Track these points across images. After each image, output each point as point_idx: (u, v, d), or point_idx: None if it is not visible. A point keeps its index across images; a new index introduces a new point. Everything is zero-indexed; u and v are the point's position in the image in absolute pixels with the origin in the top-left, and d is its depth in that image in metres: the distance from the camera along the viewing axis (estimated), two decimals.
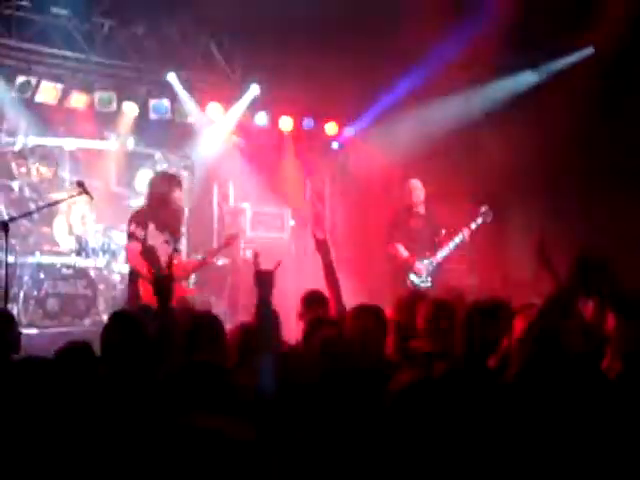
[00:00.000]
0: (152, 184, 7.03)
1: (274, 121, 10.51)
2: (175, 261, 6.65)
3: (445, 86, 9.29)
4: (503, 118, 9.12)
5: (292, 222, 10.10)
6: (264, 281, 3.76)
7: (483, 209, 8.06)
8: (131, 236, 6.65)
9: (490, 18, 8.22)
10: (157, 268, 6.33)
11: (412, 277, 7.89)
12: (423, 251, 7.98)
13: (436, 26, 8.18)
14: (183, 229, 7.32)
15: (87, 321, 8.51)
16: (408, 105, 9.72)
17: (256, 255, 4.08)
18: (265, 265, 3.97)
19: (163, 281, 4.21)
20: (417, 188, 8.19)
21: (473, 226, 7.98)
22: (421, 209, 8.19)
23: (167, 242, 6.76)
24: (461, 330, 3.81)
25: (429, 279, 7.89)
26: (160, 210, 6.74)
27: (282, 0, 8.59)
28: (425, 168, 8.84)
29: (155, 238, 6.68)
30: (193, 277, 9.49)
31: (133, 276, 6.72)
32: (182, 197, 7.03)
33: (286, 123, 10.54)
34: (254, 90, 10.12)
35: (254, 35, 9.71)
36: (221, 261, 9.62)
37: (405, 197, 8.26)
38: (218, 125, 10.19)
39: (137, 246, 6.61)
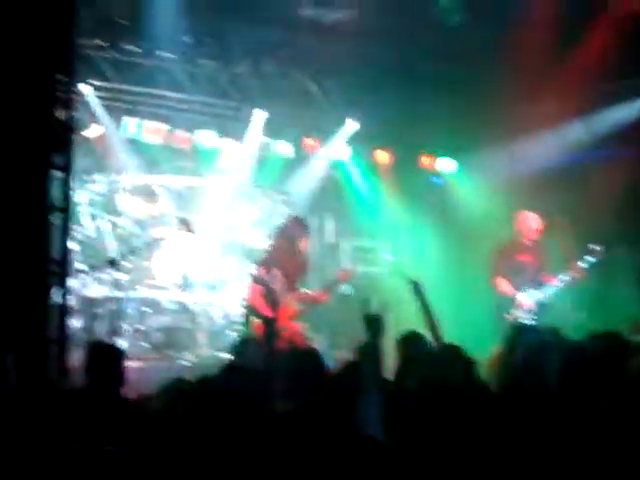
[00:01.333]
0: (282, 229, 7.33)
1: (371, 155, 10.55)
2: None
3: (551, 117, 9.09)
4: (611, 149, 8.86)
5: (390, 256, 10.05)
6: (374, 326, 3.75)
7: (597, 248, 7.67)
8: (256, 279, 7.08)
9: (598, 46, 8.04)
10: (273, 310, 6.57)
11: (514, 311, 7.69)
12: (529, 286, 7.77)
13: (539, 56, 8.05)
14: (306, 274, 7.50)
15: (188, 354, 8.68)
16: (510, 137, 9.58)
17: (365, 301, 4.11)
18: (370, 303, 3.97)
19: (271, 324, 4.27)
20: (532, 220, 7.99)
21: (584, 265, 7.64)
22: (532, 243, 7.97)
23: (288, 287, 7.04)
24: None
25: (534, 315, 7.67)
26: (286, 257, 7.07)
27: (377, 37, 8.70)
28: (528, 202, 8.67)
29: (278, 283, 6.98)
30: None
31: (249, 315, 7.06)
32: (308, 245, 7.32)
33: (383, 156, 10.56)
34: (351, 124, 10.21)
35: (350, 70, 9.85)
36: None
37: (518, 229, 8.04)
38: (316, 160, 10.31)
39: (258, 288, 6.99)
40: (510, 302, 7.74)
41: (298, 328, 7.15)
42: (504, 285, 7.80)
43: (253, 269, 7.21)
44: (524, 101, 8.80)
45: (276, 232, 7.52)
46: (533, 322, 7.53)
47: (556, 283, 7.69)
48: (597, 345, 4.19)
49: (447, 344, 4.60)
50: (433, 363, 4.38)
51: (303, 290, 7.70)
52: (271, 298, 6.91)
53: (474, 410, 3.15)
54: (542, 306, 7.73)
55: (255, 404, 3.72)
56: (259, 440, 3.27)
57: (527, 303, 7.71)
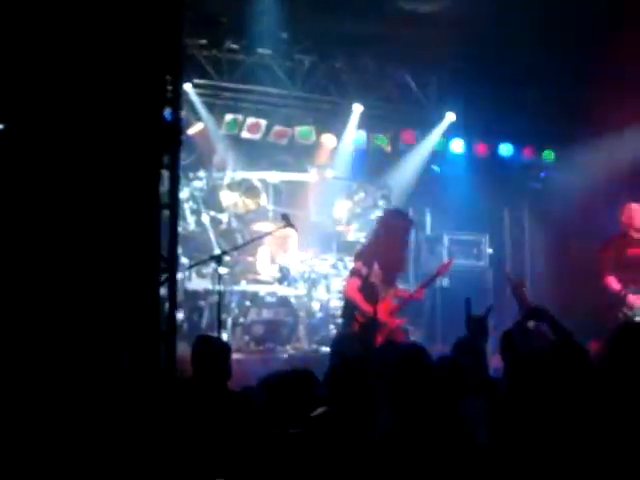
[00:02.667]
0: (382, 221, 7.29)
1: (470, 147, 10.41)
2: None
3: None
4: None
5: (490, 250, 9.90)
6: (476, 327, 3.71)
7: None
8: (355, 273, 7.02)
9: None
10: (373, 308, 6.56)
11: (626, 311, 7.41)
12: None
13: None
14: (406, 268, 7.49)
15: (288, 347, 8.80)
16: (609, 130, 9.27)
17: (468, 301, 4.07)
18: (467, 295, 3.94)
19: (370, 324, 4.26)
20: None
21: None
22: None
23: (387, 282, 6.99)
24: None
25: None
26: (386, 251, 6.99)
27: (474, 29, 8.56)
28: (629, 195, 8.36)
29: (377, 277, 6.93)
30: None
31: (348, 309, 7.04)
32: (409, 239, 7.33)
33: (482, 150, 10.41)
34: (449, 117, 10.10)
35: (448, 62, 9.74)
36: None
37: (626, 222, 7.72)
38: (414, 153, 10.26)
39: (357, 282, 6.94)
40: (621, 300, 7.44)
41: (398, 323, 7.11)
42: (614, 282, 7.52)
43: (352, 263, 7.16)
44: (625, 94, 8.49)
45: (377, 225, 7.46)
46: None
47: None
48: None
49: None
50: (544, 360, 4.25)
51: (402, 287, 7.69)
52: (370, 292, 6.83)
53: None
54: None
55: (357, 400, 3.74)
56: (362, 436, 3.29)
57: (637, 302, 7.41)
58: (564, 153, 10.20)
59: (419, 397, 3.36)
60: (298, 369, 4.01)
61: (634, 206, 7.73)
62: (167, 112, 5.02)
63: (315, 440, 2.93)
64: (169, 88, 4.97)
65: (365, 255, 7.12)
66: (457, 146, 10.36)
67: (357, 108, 9.81)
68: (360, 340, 5.70)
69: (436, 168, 10.50)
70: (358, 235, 9.52)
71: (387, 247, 7.01)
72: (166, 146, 4.70)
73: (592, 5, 7.89)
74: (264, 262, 9.35)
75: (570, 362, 3.92)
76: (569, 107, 9.36)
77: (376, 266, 6.92)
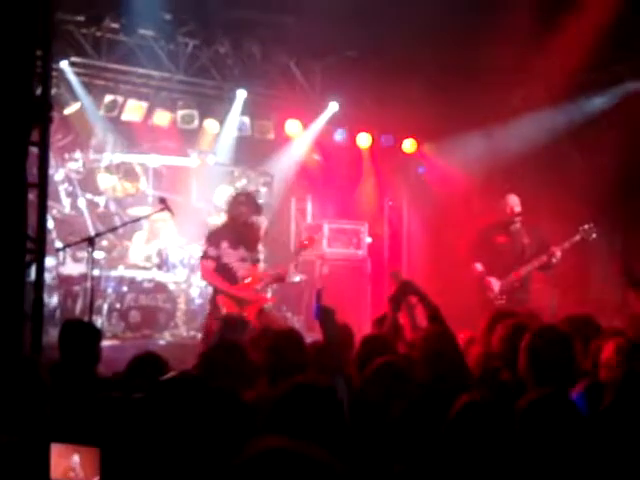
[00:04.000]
0: (230, 205, 7.26)
1: (352, 138, 10.56)
2: (248, 279, 6.92)
3: (532, 101, 9.14)
4: (590, 135, 8.92)
5: (369, 239, 10.08)
6: (326, 318, 3.79)
7: (585, 226, 7.61)
8: (204, 255, 6.99)
9: (579, 34, 8.07)
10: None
11: (490, 295, 7.73)
12: (506, 268, 7.74)
13: (520, 42, 8.07)
14: (260, 246, 7.47)
15: (166, 334, 8.70)
16: (489, 121, 9.62)
17: (318, 292, 4.17)
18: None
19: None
20: (512, 202, 7.91)
21: (567, 245, 7.60)
22: (514, 225, 7.89)
23: (244, 259, 6.96)
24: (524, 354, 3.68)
25: (503, 296, 7.66)
26: (235, 228, 6.98)
27: (360, 20, 8.65)
28: (506, 184, 8.72)
29: (230, 256, 6.90)
30: (269, 293, 9.61)
31: (213, 291, 7.02)
32: (260, 220, 7.30)
33: (364, 140, 10.58)
34: (333, 107, 10.21)
35: (333, 53, 9.82)
36: (298, 277, 9.70)
37: (501, 211, 7.95)
38: (297, 142, 10.31)
39: (210, 264, 6.90)
40: (486, 285, 7.75)
41: (264, 301, 7.19)
42: (478, 268, 7.79)
43: (202, 246, 7.08)
44: (504, 86, 8.83)
45: (226, 207, 7.49)
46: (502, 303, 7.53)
47: (535, 263, 7.64)
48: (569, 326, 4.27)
49: None
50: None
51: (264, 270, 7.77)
52: (227, 273, 6.85)
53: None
54: (515, 285, 7.67)
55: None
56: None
57: (494, 285, 7.69)
58: (444, 145, 10.47)
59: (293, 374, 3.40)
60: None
61: (506, 196, 7.99)
62: (37, 88, 4.86)
63: (160, 404, 2.89)
64: (39, 64, 4.81)
65: (211, 236, 7.08)
66: (339, 136, 10.48)
67: (241, 94, 9.77)
68: (227, 323, 5.65)
69: (317, 157, 10.58)
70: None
71: (233, 226, 7.00)
72: (34, 122, 4.54)
73: None
74: (139, 247, 9.20)
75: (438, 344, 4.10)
76: (451, 99, 9.62)
77: (226, 244, 6.88)
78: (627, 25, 8.00)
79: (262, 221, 7.62)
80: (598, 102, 9.23)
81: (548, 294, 8.80)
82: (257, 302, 6.96)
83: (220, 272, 6.88)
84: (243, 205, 7.06)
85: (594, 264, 9.06)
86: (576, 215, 8.43)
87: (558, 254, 7.60)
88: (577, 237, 7.62)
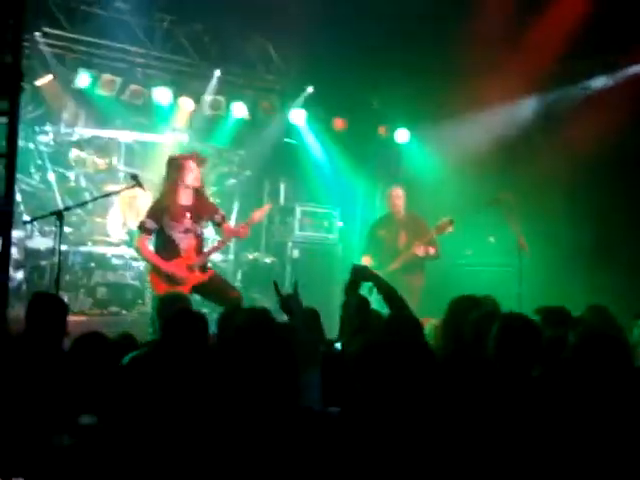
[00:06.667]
0: (165, 171, 6.59)
1: (327, 121, 10.53)
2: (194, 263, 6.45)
3: (503, 92, 9.17)
4: (560, 127, 9.00)
5: (340, 223, 10.08)
6: (290, 306, 3.78)
7: (444, 219, 7.83)
8: (140, 228, 6.47)
9: (550, 24, 8.12)
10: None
11: None
12: (387, 260, 7.94)
13: (494, 33, 8.11)
14: (210, 208, 6.70)
15: (134, 310, 8.66)
16: (464, 109, 9.64)
17: (275, 284, 4.13)
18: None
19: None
20: (398, 197, 8.24)
21: (424, 241, 7.92)
22: (401, 217, 8.22)
23: (188, 230, 6.44)
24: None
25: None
26: (174, 198, 6.41)
27: (342, 1, 8.63)
28: (478, 177, 8.76)
29: (172, 228, 6.40)
30: (239, 274, 9.59)
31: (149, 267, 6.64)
32: (198, 176, 6.48)
33: (340, 124, 10.55)
34: (309, 90, 10.16)
35: (310, 35, 9.76)
36: (268, 259, 9.69)
37: (388, 205, 8.37)
38: (272, 124, 10.26)
39: (145, 238, 6.42)
40: None
41: (195, 279, 6.46)
42: (367, 261, 7.82)
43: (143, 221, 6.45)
44: (478, 75, 8.84)
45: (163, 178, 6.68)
46: None
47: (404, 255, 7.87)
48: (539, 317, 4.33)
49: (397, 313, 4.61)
50: (381, 328, 4.41)
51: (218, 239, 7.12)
52: (167, 246, 6.34)
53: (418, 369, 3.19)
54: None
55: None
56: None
57: None
58: (420, 130, 10.49)
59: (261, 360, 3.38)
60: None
61: (393, 189, 8.34)
62: (7, 57, 4.77)
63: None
64: (10, 32, 4.72)
65: (151, 209, 6.51)
66: (315, 119, 10.45)
67: (217, 73, 9.69)
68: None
69: (292, 141, 10.54)
70: (212, 201, 9.43)
71: (171, 196, 6.39)
72: (4, 90, 4.46)
73: None
74: (114, 224, 9.12)
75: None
76: (426, 85, 9.62)
77: (167, 218, 6.36)
78: (597, 21, 8.07)
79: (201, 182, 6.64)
80: (572, 93, 9.31)
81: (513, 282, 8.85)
82: (189, 281, 6.39)
83: (162, 245, 6.39)
84: (175, 168, 6.44)
85: (562, 256, 9.10)
86: (545, 208, 8.51)
87: (420, 252, 7.81)
88: (432, 232, 7.87)
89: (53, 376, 4.00)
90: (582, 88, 9.15)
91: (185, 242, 6.42)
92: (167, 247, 6.41)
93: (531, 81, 8.95)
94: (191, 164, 6.48)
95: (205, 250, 6.67)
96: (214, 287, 6.50)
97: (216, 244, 7.03)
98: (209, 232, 7.61)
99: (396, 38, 9.11)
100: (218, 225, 6.74)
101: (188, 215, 6.45)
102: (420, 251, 7.88)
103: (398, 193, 8.32)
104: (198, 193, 6.57)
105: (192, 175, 6.47)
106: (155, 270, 6.42)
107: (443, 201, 9.06)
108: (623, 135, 8.19)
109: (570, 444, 2.98)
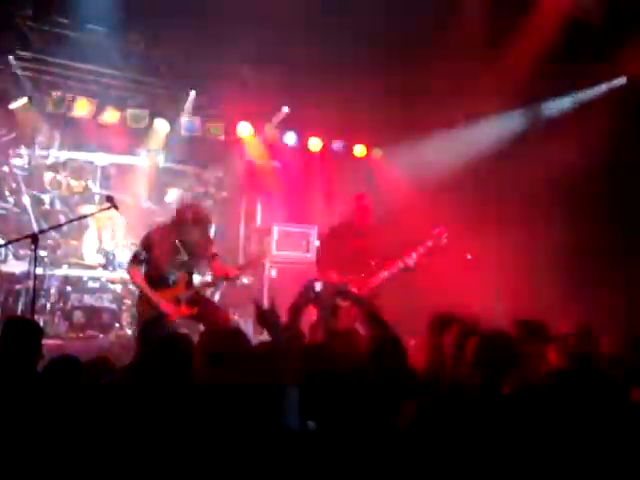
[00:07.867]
0: (177, 212, 6.58)
1: (303, 142, 10.58)
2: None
3: (473, 113, 9.31)
4: (534, 142, 9.13)
5: (317, 242, 10.08)
6: (269, 321, 3.78)
7: (436, 231, 7.32)
8: (134, 258, 6.42)
9: (523, 48, 8.24)
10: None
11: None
12: (358, 272, 7.18)
13: (467, 56, 8.21)
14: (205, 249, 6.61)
15: (111, 334, 8.59)
16: (437, 129, 9.74)
17: (255, 301, 4.13)
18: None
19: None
20: (366, 203, 7.52)
21: (421, 250, 7.21)
22: (364, 227, 7.51)
23: (182, 265, 6.43)
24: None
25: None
26: (179, 231, 6.40)
27: (315, 25, 8.68)
28: (452, 192, 8.82)
29: (164, 261, 6.35)
30: (217, 295, 9.55)
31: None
32: (201, 233, 6.50)
33: (315, 144, 10.60)
34: (284, 110, 10.21)
35: (285, 57, 9.82)
36: (246, 279, 9.66)
37: (354, 212, 7.58)
38: (248, 144, 10.29)
39: (139, 269, 6.35)
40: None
41: (178, 312, 6.38)
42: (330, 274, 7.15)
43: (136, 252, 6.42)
44: (452, 94, 8.94)
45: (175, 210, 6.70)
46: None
47: (390, 269, 7.14)
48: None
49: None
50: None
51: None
52: (158, 279, 6.31)
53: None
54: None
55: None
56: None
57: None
58: (394, 150, 10.56)
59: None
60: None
61: (361, 196, 7.64)
62: None
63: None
64: None
65: (145, 240, 6.42)
66: (290, 139, 10.49)
67: (192, 95, 9.71)
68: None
69: (268, 161, 10.56)
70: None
71: (178, 231, 6.37)
72: None
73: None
74: (90, 247, 9.07)
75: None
76: (400, 106, 9.70)
77: (159, 249, 6.28)
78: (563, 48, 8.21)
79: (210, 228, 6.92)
80: (544, 110, 9.46)
81: (493, 296, 8.89)
82: (173, 314, 6.31)
83: (153, 277, 6.35)
84: (186, 216, 6.39)
85: (541, 266, 9.16)
86: (525, 219, 8.59)
87: (412, 260, 7.18)
88: (429, 242, 7.26)
89: (25, 400, 3.96)
90: (546, 109, 9.30)
91: (175, 276, 6.39)
92: (158, 279, 6.33)
93: (496, 103, 9.09)
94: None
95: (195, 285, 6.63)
96: (204, 316, 6.46)
97: (206, 281, 7.03)
98: None
99: (370, 56, 9.22)
100: (208, 261, 6.67)
101: (185, 250, 6.41)
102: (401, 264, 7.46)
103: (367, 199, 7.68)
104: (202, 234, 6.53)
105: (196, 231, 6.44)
106: (144, 299, 6.33)
107: (414, 219, 9.13)
108: (590, 151, 8.31)
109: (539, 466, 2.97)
